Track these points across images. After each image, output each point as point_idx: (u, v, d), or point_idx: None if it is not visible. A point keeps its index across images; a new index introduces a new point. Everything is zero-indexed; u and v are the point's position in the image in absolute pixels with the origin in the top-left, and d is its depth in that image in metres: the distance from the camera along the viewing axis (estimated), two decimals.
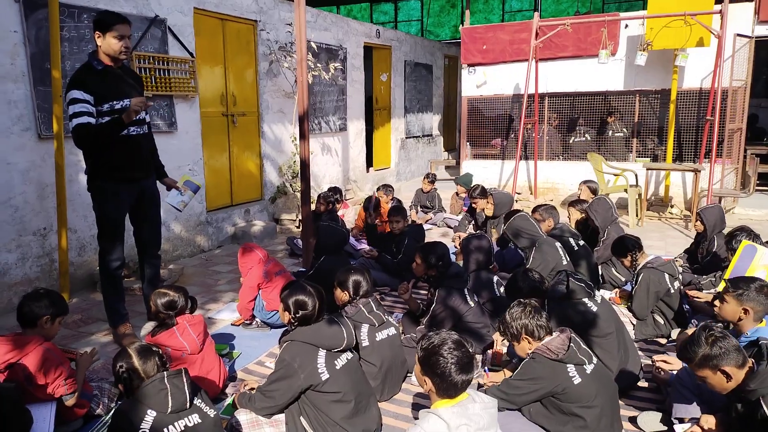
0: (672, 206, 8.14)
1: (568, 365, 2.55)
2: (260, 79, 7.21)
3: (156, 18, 5.62)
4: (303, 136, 5.27)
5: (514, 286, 3.45)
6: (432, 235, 7.27)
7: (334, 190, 6.85)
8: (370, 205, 6.32)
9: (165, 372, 2.20)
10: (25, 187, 4.61)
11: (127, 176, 3.74)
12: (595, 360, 2.66)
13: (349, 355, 2.82)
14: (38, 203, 4.71)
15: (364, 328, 3.14)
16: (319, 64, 7.67)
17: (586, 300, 3.20)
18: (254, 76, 7.16)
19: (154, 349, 2.32)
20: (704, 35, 7.27)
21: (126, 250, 5.34)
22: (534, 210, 4.99)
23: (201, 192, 6.36)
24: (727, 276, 3.33)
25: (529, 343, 2.66)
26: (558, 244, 4.26)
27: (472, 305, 3.54)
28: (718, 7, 7.10)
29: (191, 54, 6.04)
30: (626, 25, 8.40)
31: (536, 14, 8.18)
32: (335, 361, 2.74)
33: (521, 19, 14.54)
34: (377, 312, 3.22)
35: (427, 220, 7.67)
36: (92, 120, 3.50)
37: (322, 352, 2.70)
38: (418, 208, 7.99)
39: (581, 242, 4.77)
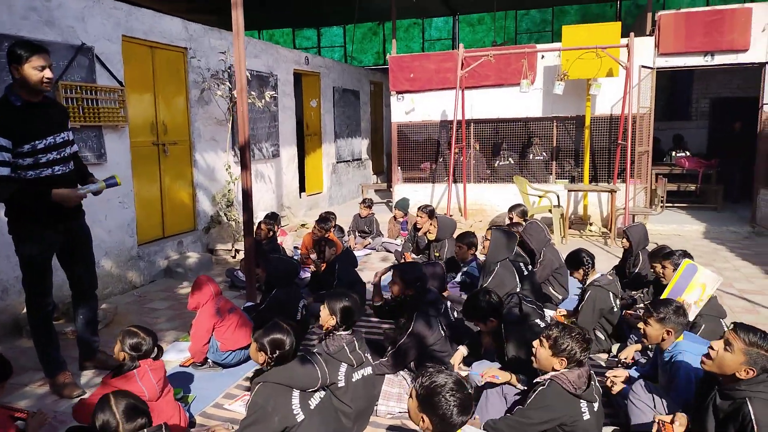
0: (591, 224, 8.73)
1: (582, 401, 2.56)
2: (191, 107, 7.03)
3: (83, 46, 5.37)
4: (245, 165, 5.19)
5: (475, 306, 3.48)
6: (371, 260, 7.35)
7: (272, 217, 6.74)
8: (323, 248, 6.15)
9: (145, 430, 2.10)
10: None
11: (53, 219, 3.50)
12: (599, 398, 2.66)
13: (321, 393, 2.81)
14: None
15: (342, 368, 3.06)
16: (252, 92, 7.60)
17: (538, 321, 3.39)
18: (185, 104, 6.98)
19: (144, 408, 2.20)
20: (613, 66, 7.93)
21: (54, 292, 5.03)
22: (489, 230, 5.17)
23: (131, 225, 6.08)
24: (666, 293, 3.63)
25: (560, 364, 2.60)
26: (514, 269, 4.46)
27: (441, 335, 3.60)
28: (624, 41, 7.80)
29: (120, 83, 5.81)
30: (542, 56, 9.00)
31: (461, 45, 8.59)
32: (309, 401, 2.72)
33: (441, 47, 15.18)
34: (359, 351, 3.15)
35: (366, 245, 7.74)
36: (6, 170, 3.23)
37: (296, 393, 2.67)
38: (356, 233, 8.04)
39: (530, 267, 5.02)
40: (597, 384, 2.68)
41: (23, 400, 3.64)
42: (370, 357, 3.29)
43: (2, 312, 4.69)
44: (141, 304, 5.66)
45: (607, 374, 3.25)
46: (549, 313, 4.76)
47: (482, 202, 9.61)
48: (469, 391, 2.04)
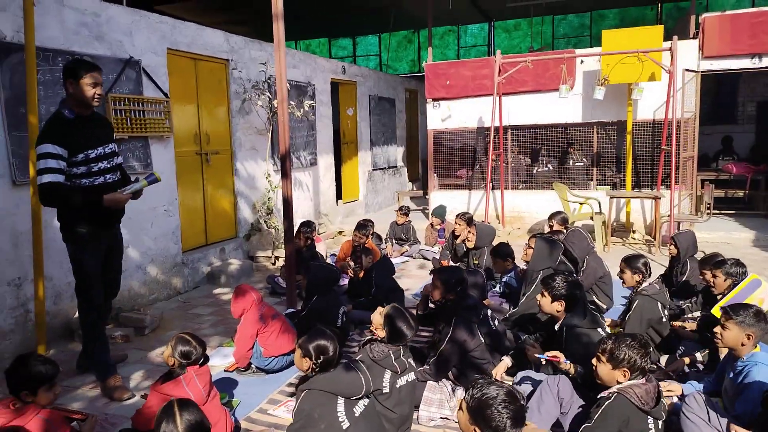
0: (634, 231, 8.52)
1: (649, 417, 2.50)
2: (232, 117, 7.18)
3: (130, 59, 5.56)
4: (285, 174, 5.27)
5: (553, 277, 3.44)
6: (409, 267, 7.34)
7: (308, 225, 6.77)
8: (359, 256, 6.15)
9: None
10: None
11: (103, 225, 3.76)
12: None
13: (365, 401, 2.81)
14: (12, 252, 4.51)
15: (387, 374, 3.07)
16: (291, 102, 7.72)
17: (599, 330, 3.30)
18: (227, 115, 7.13)
19: (203, 422, 2.24)
20: (656, 70, 7.75)
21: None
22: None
23: (176, 233, 6.23)
24: (723, 303, 3.50)
25: (623, 376, 2.55)
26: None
27: (481, 341, 3.57)
28: (667, 44, 7.62)
29: (165, 94, 5.98)
30: (582, 61, 8.87)
31: (498, 52, 8.53)
32: (354, 409, 2.72)
33: (476, 54, 15.13)
34: (403, 359, 3.16)
35: (403, 252, 7.74)
36: (60, 177, 3.45)
37: (341, 400, 2.68)
38: (393, 240, 8.05)
39: (575, 275, 4.92)
40: (664, 401, 2.60)
41: (75, 402, 3.76)
42: (413, 362, 3.28)
43: (55, 316, 4.86)
44: (185, 309, 5.78)
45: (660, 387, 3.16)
46: None
47: (520, 210, 9.49)
48: (522, 402, 2.01)
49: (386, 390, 3.04)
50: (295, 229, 6.59)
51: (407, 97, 13.50)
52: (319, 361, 2.69)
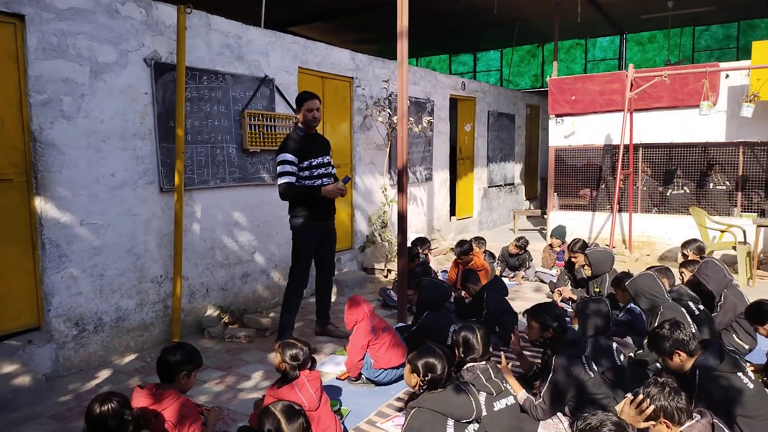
0: None
1: None
2: (354, 132, 7.43)
3: (265, 78, 5.96)
4: (401, 189, 5.33)
5: (657, 337, 3.19)
6: (523, 289, 7.09)
7: (422, 241, 6.77)
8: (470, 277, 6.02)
9: None
10: (147, 236, 4.90)
11: (318, 216, 4.76)
12: None
13: (475, 426, 2.73)
14: (157, 252, 4.99)
15: (482, 397, 3.00)
16: (410, 118, 7.84)
17: (740, 374, 2.96)
18: (349, 130, 7.40)
19: (297, 408, 2.34)
20: None
21: (219, 300, 5.58)
22: (648, 269, 4.74)
23: None
24: None
25: (668, 427, 2.44)
26: (683, 309, 4.02)
27: (593, 375, 3.36)
28: None
29: (294, 111, 6.32)
30: (727, 75, 8.09)
31: (631, 66, 8.03)
32: None
33: (605, 68, 14.39)
34: (495, 380, 3.08)
35: (520, 278, 7.44)
36: (293, 178, 4.57)
37: (450, 422, 2.63)
38: (505, 266, 7.74)
39: (701, 306, 4.47)
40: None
41: (202, 396, 4.05)
42: (509, 387, 3.17)
43: (189, 313, 5.30)
44: (302, 315, 6.01)
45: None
46: None
47: (650, 235, 8.81)
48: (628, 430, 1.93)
49: (484, 413, 2.94)
50: (409, 243, 6.65)
51: (528, 112, 13.15)
52: (426, 378, 2.68)
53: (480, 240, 6.98)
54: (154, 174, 4.94)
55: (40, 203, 4.16)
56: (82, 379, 4.31)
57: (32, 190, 4.13)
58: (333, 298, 6.30)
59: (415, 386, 2.76)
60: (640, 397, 2.50)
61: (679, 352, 3.08)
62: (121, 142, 4.67)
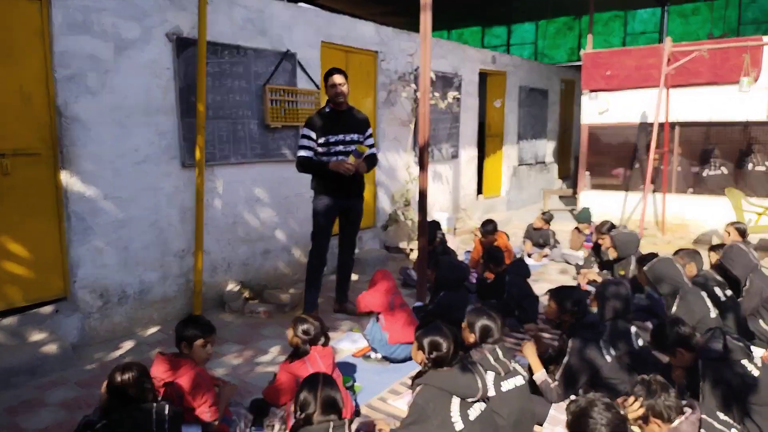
0: None
1: None
2: (378, 108, 7.35)
3: (287, 52, 5.92)
4: (422, 166, 5.27)
5: (660, 335, 3.19)
6: (549, 271, 6.97)
7: (436, 225, 6.51)
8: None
9: (332, 423, 2.28)
10: (169, 210, 4.98)
11: (334, 194, 4.78)
12: None
13: (482, 405, 2.72)
14: (180, 226, 5.07)
15: (489, 376, 2.98)
16: (435, 93, 7.71)
17: (745, 362, 2.89)
18: (373, 106, 7.32)
19: (335, 395, 2.41)
20: None
21: (239, 276, 5.64)
22: (675, 253, 4.59)
23: None
24: None
25: (659, 426, 2.42)
26: (704, 294, 3.89)
27: (609, 359, 3.30)
28: None
29: (317, 86, 6.28)
30: None
31: (668, 39, 7.67)
32: (468, 411, 2.65)
33: (645, 42, 13.82)
34: (503, 360, 3.05)
35: (544, 255, 7.35)
36: (309, 153, 4.65)
37: (455, 400, 2.63)
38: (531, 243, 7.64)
39: (728, 292, 4.32)
40: (720, 425, 2.45)
41: (220, 368, 4.14)
42: (518, 367, 3.13)
43: (210, 288, 5.39)
44: (323, 292, 6.06)
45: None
46: (758, 352, 4.04)
47: (684, 216, 8.53)
48: (620, 411, 2.03)
49: (492, 393, 2.92)
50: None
51: (563, 88, 12.78)
52: (431, 356, 2.69)
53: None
54: (176, 149, 4.99)
55: (65, 177, 4.26)
56: (107, 349, 4.45)
57: (58, 164, 4.23)
58: (354, 277, 6.33)
59: (420, 363, 2.78)
60: (631, 398, 2.48)
61: (681, 350, 3.06)
62: (144, 118, 4.72)
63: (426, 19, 5.05)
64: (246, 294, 5.43)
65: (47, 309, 4.27)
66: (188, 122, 5.01)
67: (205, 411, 2.83)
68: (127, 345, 4.56)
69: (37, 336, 4.08)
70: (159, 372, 2.84)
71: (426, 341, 2.72)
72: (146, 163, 4.77)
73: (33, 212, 4.17)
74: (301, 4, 6.17)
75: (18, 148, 4.03)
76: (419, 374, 2.81)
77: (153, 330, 4.87)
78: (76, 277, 4.40)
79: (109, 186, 4.53)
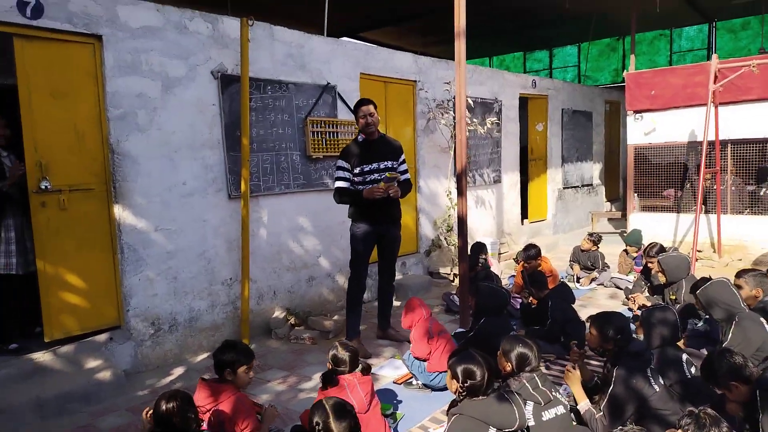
0: None
1: None
2: (417, 136, 7.43)
3: (327, 85, 6.09)
4: (461, 192, 5.29)
5: (710, 368, 3.03)
6: (597, 296, 6.77)
7: (479, 247, 6.41)
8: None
9: None
10: (216, 241, 5.15)
11: (371, 221, 4.84)
12: None
13: None
14: (226, 256, 5.23)
15: (529, 406, 2.90)
16: (474, 119, 7.74)
17: None
18: (412, 134, 7.40)
19: (349, 408, 2.40)
20: None
21: (285, 303, 5.73)
22: (738, 275, 4.31)
23: None
24: None
25: None
26: (762, 320, 3.68)
27: (657, 389, 3.15)
28: None
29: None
30: None
31: (714, 56, 7.47)
32: None
33: (692, 60, 13.45)
34: (543, 389, 2.96)
35: (592, 279, 7.15)
36: (345, 183, 4.77)
37: (492, 431, 2.57)
38: (579, 266, 7.47)
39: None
40: None
41: (265, 394, 4.20)
42: (559, 395, 3.03)
43: (257, 315, 5.51)
44: (366, 318, 6.07)
45: None
46: None
47: (742, 238, 8.14)
48: None
49: (531, 423, 2.83)
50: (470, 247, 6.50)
51: (607, 109, 12.56)
52: (465, 384, 2.64)
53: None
54: (222, 182, 5.19)
55: (118, 210, 4.50)
56: (158, 375, 4.60)
57: (111, 198, 4.47)
58: (397, 303, 6.33)
59: (455, 392, 2.74)
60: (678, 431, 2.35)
61: (734, 383, 2.87)
62: (191, 152, 4.94)
63: (460, 46, 5.13)
64: (291, 321, 5.52)
65: (102, 337, 4.47)
66: (233, 156, 5.21)
67: None
68: (178, 371, 4.70)
69: (92, 363, 4.27)
70: (201, 398, 2.92)
71: (459, 369, 2.68)
72: (193, 196, 4.97)
73: (88, 244, 4.41)
74: (343, 39, 6.35)
75: (73, 184, 4.30)
76: (453, 403, 2.77)
77: (203, 356, 5.00)
78: (129, 306, 4.59)
79: (159, 218, 4.74)
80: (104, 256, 4.50)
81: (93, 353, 4.34)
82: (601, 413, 3.22)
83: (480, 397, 2.64)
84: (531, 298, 5.91)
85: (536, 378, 2.98)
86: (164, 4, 4.71)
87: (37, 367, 4.09)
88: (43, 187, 4.11)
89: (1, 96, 4.80)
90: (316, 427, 2.36)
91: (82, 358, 4.27)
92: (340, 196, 4.80)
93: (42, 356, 4.17)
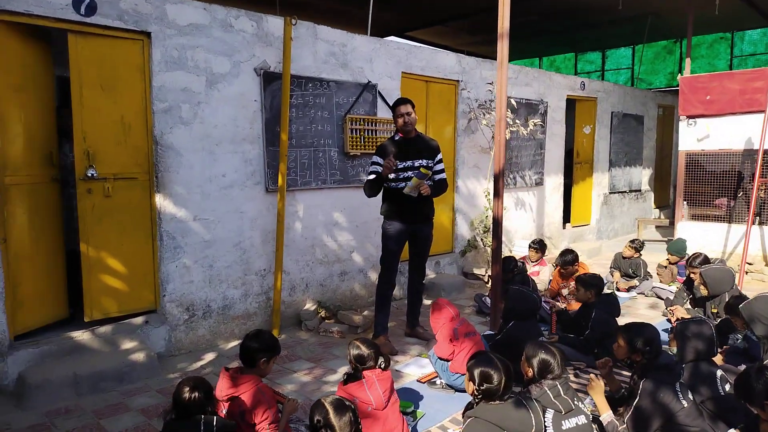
0: None
1: None
2: (458, 136, 7.38)
3: (368, 84, 6.14)
4: (497, 193, 5.23)
5: (745, 386, 2.89)
6: (637, 305, 6.57)
7: (509, 261, 6.19)
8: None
9: None
10: (252, 232, 5.28)
11: (402, 218, 4.87)
12: None
13: None
14: (261, 247, 5.35)
15: (549, 414, 2.86)
16: (518, 120, 7.63)
17: None
18: (453, 133, 7.36)
19: (348, 403, 2.43)
20: None
21: (317, 296, 5.80)
22: None
23: None
24: None
25: None
26: None
27: (686, 404, 3.04)
28: None
29: None
30: None
31: None
32: None
33: (754, 65, 12.84)
34: (565, 397, 2.91)
35: (631, 287, 6.95)
36: (374, 176, 4.77)
37: None
38: (620, 273, 7.27)
39: None
40: None
41: (290, 384, 4.29)
42: (582, 405, 2.96)
43: (289, 306, 5.62)
44: (395, 315, 6.10)
45: None
46: None
47: None
48: None
49: (551, 431, 2.79)
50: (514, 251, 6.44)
51: (661, 113, 12.13)
52: (482, 387, 2.62)
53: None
54: (260, 175, 5.31)
55: (159, 199, 4.67)
56: (190, 360, 4.76)
57: (153, 187, 4.66)
58: (427, 302, 6.32)
59: (471, 394, 2.72)
60: None
61: None
62: (232, 146, 5.08)
63: (503, 47, 5.07)
64: (322, 313, 5.60)
65: (138, 320, 4.66)
66: (272, 150, 5.32)
67: (264, 428, 2.94)
68: (209, 357, 4.85)
69: (127, 344, 4.46)
70: (223, 388, 3.00)
71: (476, 372, 2.67)
72: (232, 188, 5.11)
73: (129, 231, 4.61)
74: (387, 38, 6.38)
75: (118, 173, 4.50)
76: (469, 406, 2.76)
77: (234, 344, 5.14)
78: (166, 292, 4.77)
79: (198, 208, 4.90)
80: (144, 243, 4.69)
81: (129, 335, 4.54)
82: (624, 426, 3.14)
83: (496, 402, 2.62)
84: (567, 304, 5.79)
85: (558, 386, 2.93)
86: (211, 2, 4.86)
87: (76, 345, 4.31)
88: (89, 174, 4.32)
89: (63, 87, 5.07)
90: (317, 423, 2.39)
91: (118, 339, 4.47)
92: (367, 186, 4.83)
93: (81, 335, 4.39)
